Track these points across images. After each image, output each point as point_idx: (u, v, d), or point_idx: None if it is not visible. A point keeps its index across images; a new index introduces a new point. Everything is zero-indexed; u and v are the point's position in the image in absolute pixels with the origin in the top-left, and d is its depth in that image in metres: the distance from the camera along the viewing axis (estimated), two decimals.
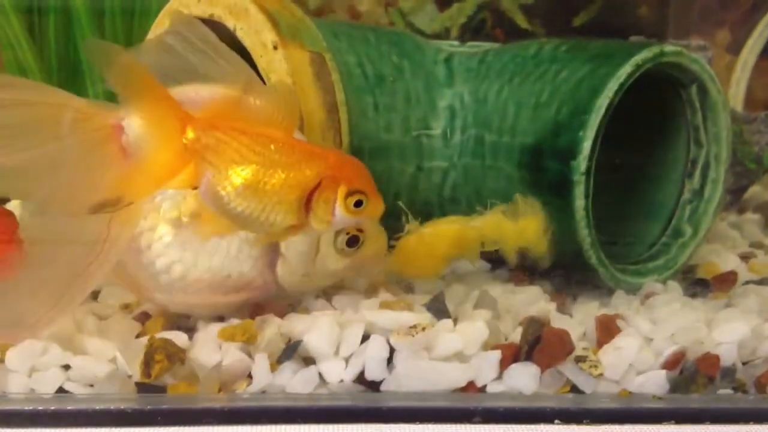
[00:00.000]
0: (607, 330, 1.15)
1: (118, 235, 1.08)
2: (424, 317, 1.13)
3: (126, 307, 1.24)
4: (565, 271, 1.36)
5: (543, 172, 1.28)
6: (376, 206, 1.10)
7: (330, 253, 1.17)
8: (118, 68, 1.02)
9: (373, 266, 1.22)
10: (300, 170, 1.07)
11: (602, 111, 1.25)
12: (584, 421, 1.03)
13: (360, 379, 1.07)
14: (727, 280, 1.37)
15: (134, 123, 1.07)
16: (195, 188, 1.09)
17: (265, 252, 1.15)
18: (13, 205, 1.19)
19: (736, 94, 2.05)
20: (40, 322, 1.07)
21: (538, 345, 1.09)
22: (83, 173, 1.08)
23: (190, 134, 1.05)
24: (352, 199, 1.08)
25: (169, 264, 1.14)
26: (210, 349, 1.08)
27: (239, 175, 1.06)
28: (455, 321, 1.14)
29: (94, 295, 1.27)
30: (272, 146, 1.07)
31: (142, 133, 1.05)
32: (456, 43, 1.47)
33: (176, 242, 1.13)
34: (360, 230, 1.16)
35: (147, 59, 1.11)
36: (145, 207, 1.12)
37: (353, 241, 1.17)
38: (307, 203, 1.08)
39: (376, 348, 1.07)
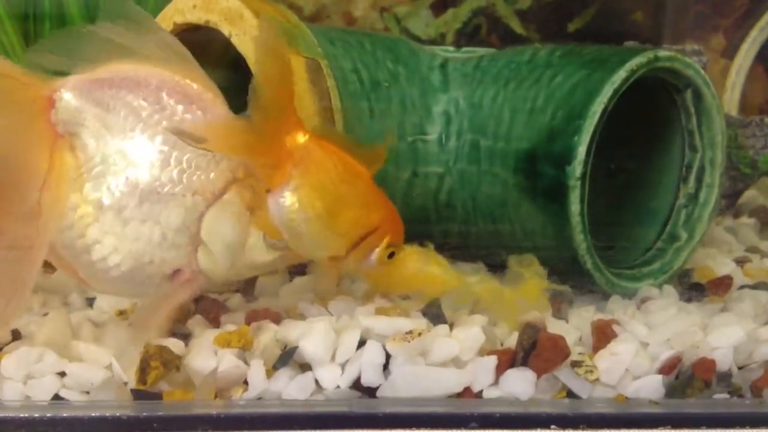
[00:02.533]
0: (603, 335, 1.15)
1: (48, 215, 1.07)
2: (420, 323, 1.13)
3: (121, 314, 1.23)
4: (561, 276, 1.36)
5: (538, 178, 1.29)
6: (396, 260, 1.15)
7: (259, 245, 1.14)
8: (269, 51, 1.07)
9: (298, 259, 1.20)
10: (369, 212, 1.11)
11: (597, 116, 1.25)
12: (581, 427, 1.03)
13: (356, 385, 1.07)
14: (723, 284, 1.37)
15: (68, 98, 1.09)
16: (268, 191, 1.10)
17: (191, 242, 1.12)
18: None
19: (730, 98, 2.06)
20: (2, 317, 1.06)
21: (533, 350, 1.09)
22: (11, 149, 1.06)
23: (299, 139, 1.08)
24: (389, 251, 1.13)
25: (89, 245, 1.10)
26: (206, 355, 1.08)
27: (320, 199, 1.08)
28: (451, 326, 1.14)
29: (89, 302, 1.27)
30: (358, 181, 1.10)
31: (259, 114, 1.07)
32: (451, 48, 1.47)
33: (97, 224, 1.10)
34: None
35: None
36: (69, 186, 1.10)
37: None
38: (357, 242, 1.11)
39: (372, 354, 1.07)
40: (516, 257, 1.22)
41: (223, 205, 1.11)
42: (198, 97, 1.11)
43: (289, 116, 1.09)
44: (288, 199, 1.09)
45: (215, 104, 1.11)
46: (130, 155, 1.09)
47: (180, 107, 1.10)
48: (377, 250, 1.12)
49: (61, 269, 1.17)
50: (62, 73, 1.13)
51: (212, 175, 1.11)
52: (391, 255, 1.13)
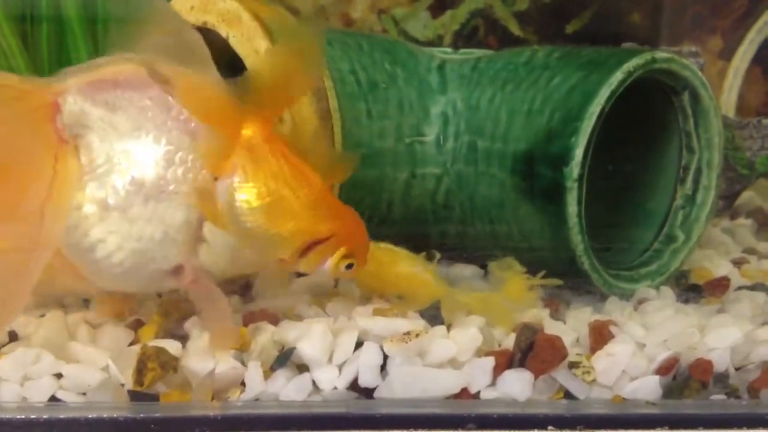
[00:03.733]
0: (600, 336, 1.15)
1: (51, 222, 1.07)
2: (418, 324, 1.13)
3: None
4: (558, 277, 1.36)
5: (535, 179, 1.29)
6: (359, 271, 1.13)
7: None
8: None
9: None
10: (315, 221, 1.08)
11: (594, 118, 1.25)
12: (578, 427, 1.03)
13: (353, 386, 1.07)
14: (720, 285, 1.38)
15: (72, 101, 1.08)
16: (216, 178, 1.09)
17: (192, 238, 1.12)
18: None
19: (728, 100, 2.06)
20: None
21: (531, 351, 1.10)
22: (14, 160, 1.06)
23: (250, 134, 1.07)
24: (345, 262, 1.10)
25: (94, 243, 1.10)
26: (203, 356, 1.08)
27: (258, 199, 1.07)
28: (449, 327, 1.14)
29: (86, 303, 1.27)
30: (305, 189, 1.08)
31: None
32: (449, 50, 1.47)
33: (102, 223, 1.10)
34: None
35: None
36: (72, 191, 1.09)
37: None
38: (307, 248, 1.09)
39: (370, 355, 1.07)
40: (496, 262, 1.24)
41: None
42: None
43: (269, 110, 1.08)
44: (228, 191, 1.07)
45: None
46: (135, 155, 1.09)
47: None
48: (331, 259, 1.09)
49: (60, 267, 1.16)
50: None
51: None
52: (350, 266, 1.11)
